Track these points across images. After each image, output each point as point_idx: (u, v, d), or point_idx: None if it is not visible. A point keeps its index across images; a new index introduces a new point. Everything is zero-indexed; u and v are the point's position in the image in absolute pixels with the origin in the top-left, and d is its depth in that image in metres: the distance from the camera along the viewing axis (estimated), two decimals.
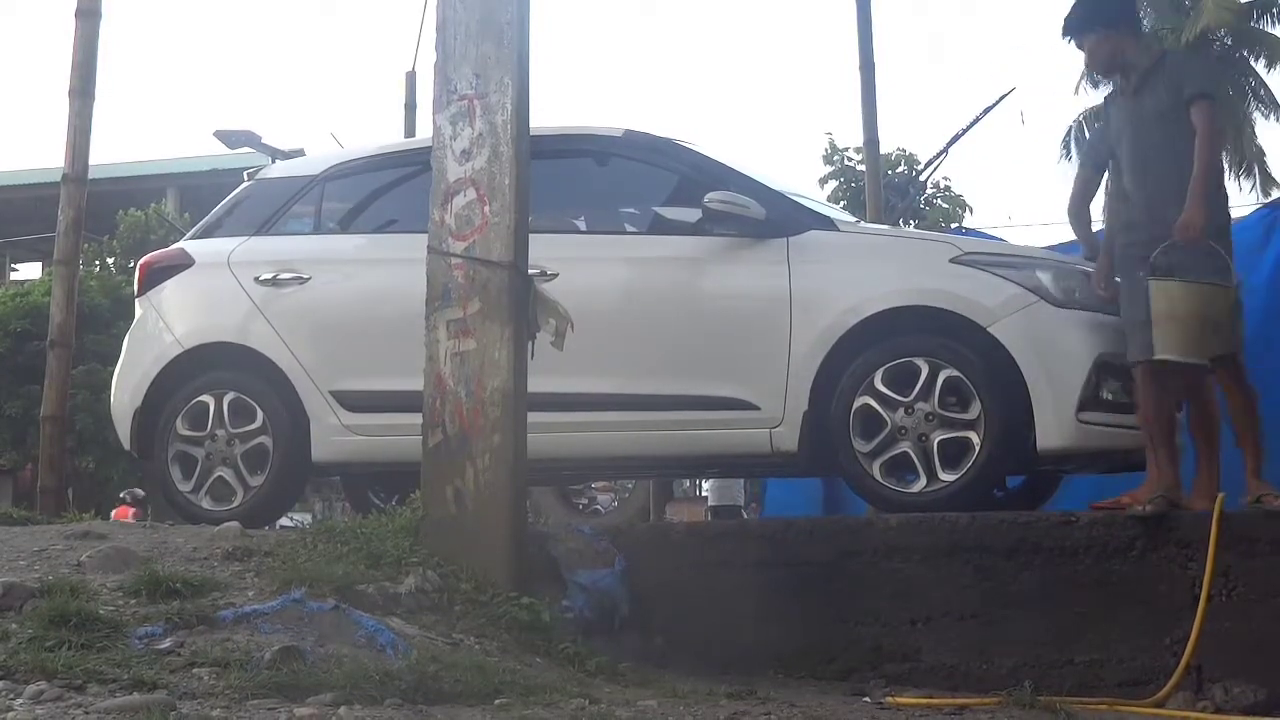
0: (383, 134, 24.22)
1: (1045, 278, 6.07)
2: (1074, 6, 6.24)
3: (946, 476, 5.93)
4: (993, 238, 10.32)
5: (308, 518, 12.13)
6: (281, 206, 7.31)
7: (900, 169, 28.91)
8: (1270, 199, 19.80)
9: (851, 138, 32.30)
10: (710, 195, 6.34)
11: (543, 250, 5.97)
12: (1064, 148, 34.35)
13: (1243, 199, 32.13)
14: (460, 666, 4.27)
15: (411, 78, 15.28)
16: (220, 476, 6.84)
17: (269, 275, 6.95)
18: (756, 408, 6.17)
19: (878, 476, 6.04)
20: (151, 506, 16.31)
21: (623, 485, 11.30)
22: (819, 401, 6.10)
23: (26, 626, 4.13)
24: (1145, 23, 33.16)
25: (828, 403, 6.09)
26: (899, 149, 29.13)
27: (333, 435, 6.73)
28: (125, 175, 25.31)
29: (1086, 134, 34.20)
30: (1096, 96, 34.06)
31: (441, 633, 4.72)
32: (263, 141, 15.49)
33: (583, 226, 7.03)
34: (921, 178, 23.76)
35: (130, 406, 7.09)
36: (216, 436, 6.84)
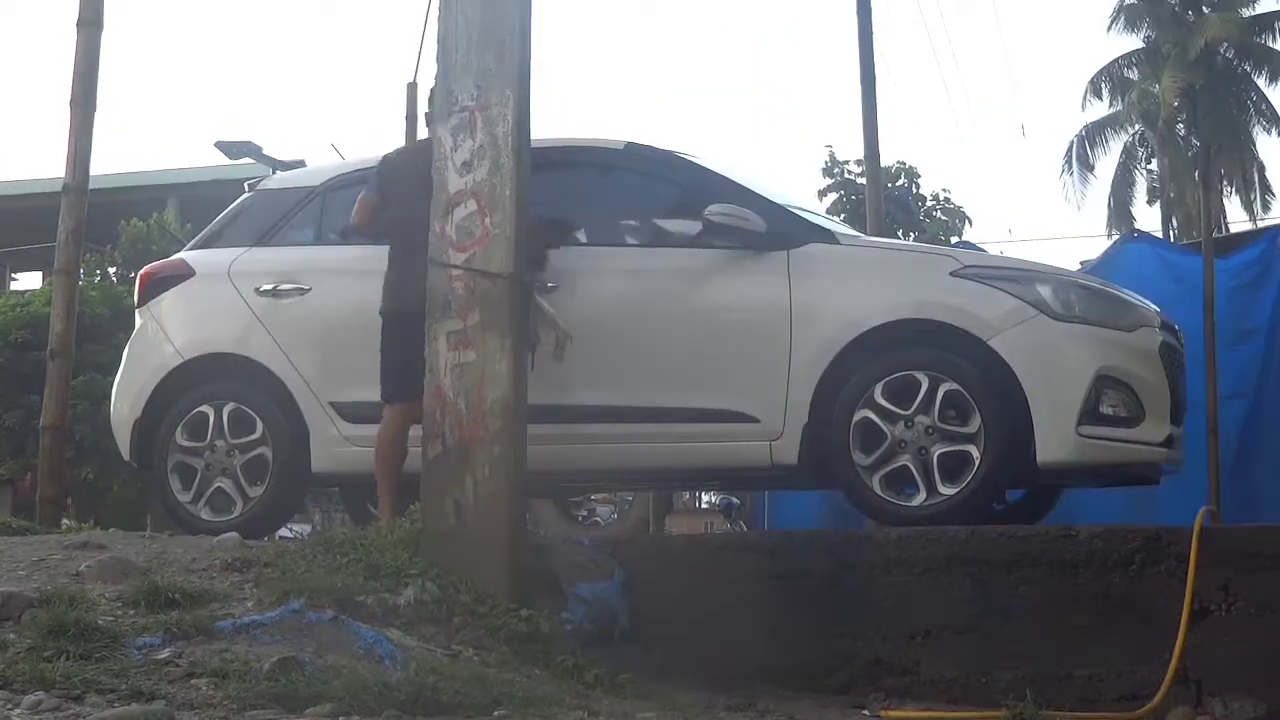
0: (384, 145, 24.21)
1: (1045, 291, 6.08)
2: None
3: (946, 490, 5.93)
4: (979, 248, 10.34)
5: (307, 529, 12.11)
6: (282, 217, 7.32)
7: (900, 182, 28.98)
8: (1262, 226, 19.81)
9: (851, 150, 32.41)
10: (711, 208, 6.34)
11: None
12: (1065, 162, 34.48)
13: (1240, 213, 32.21)
14: (459, 678, 4.27)
15: (413, 89, 15.28)
16: (219, 487, 6.84)
17: (269, 286, 6.96)
18: (756, 420, 6.17)
19: (877, 490, 6.04)
20: (150, 517, 16.29)
21: (622, 497, 11.28)
22: (819, 414, 6.10)
23: (25, 636, 4.13)
24: (1149, 35, 33.41)
25: (828, 416, 6.09)
26: (899, 162, 29.20)
27: (332, 446, 6.74)
28: (126, 185, 25.27)
29: (1089, 149, 34.42)
30: (1101, 111, 34.28)
31: (440, 644, 4.72)
32: (263, 152, 15.53)
33: (583, 238, 7.03)
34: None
35: (130, 417, 7.10)
36: (216, 447, 6.85)
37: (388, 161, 6.66)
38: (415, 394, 6.01)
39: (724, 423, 6.26)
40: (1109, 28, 33.92)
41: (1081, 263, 10.79)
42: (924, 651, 5.29)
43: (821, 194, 29.34)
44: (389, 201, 6.49)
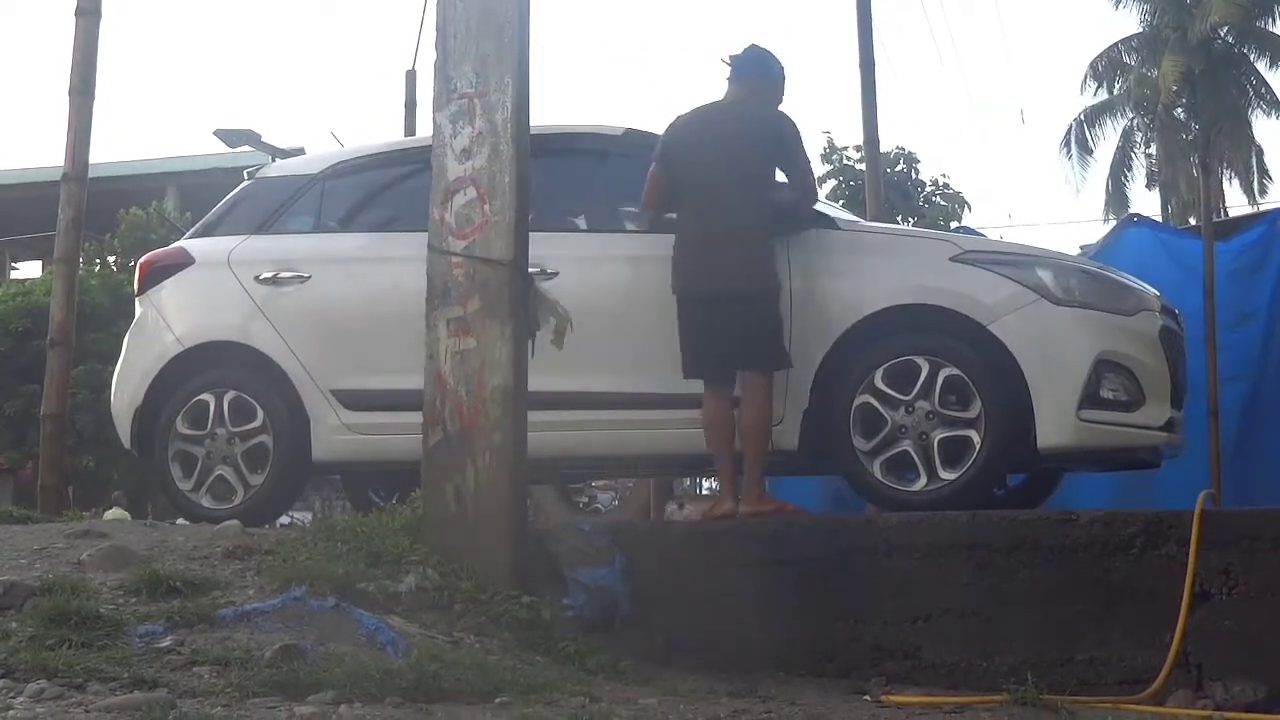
0: (383, 133, 24.22)
1: (1045, 276, 6.07)
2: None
3: (947, 475, 5.94)
4: (978, 233, 10.34)
5: (308, 516, 12.13)
6: (281, 205, 7.31)
7: (899, 167, 28.95)
8: (1261, 210, 19.81)
9: (849, 136, 32.37)
10: None
11: (543, 248, 5.97)
12: (1064, 146, 34.43)
13: (1238, 197, 32.21)
14: (461, 665, 4.27)
15: (412, 76, 15.30)
16: (220, 475, 6.84)
17: (269, 274, 6.95)
18: None
19: (878, 475, 6.04)
20: (152, 505, 16.33)
21: (623, 483, 11.28)
22: (819, 400, 6.10)
23: (27, 625, 4.13)
24: (1148, 18, 33.39)
25: (828, 401, 6.09)
26: (898, 147, 29.17)
27: (333, 434, 6.74)
28: (126, 174, 25.30)
29: (1088, 133, 34.38)
30: (1100, 95, 34.23)
31: (442, 631, 4.72)
32: (263, 140, 15.48)
33: (583, 225, 7.02)
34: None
35: (130, 405, 7.10)
36: (217, 435, 6.85)
37: (673, 129, 6.43)
38: (694, 375, 6.11)
39: None
40: (1117, 6, 33.84)
41: (1081, 247, 10.79)
42: (925, 636, 5.29)
43: (820, 180, 29.28)
44: (674, 172, 6.34)
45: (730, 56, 6.42)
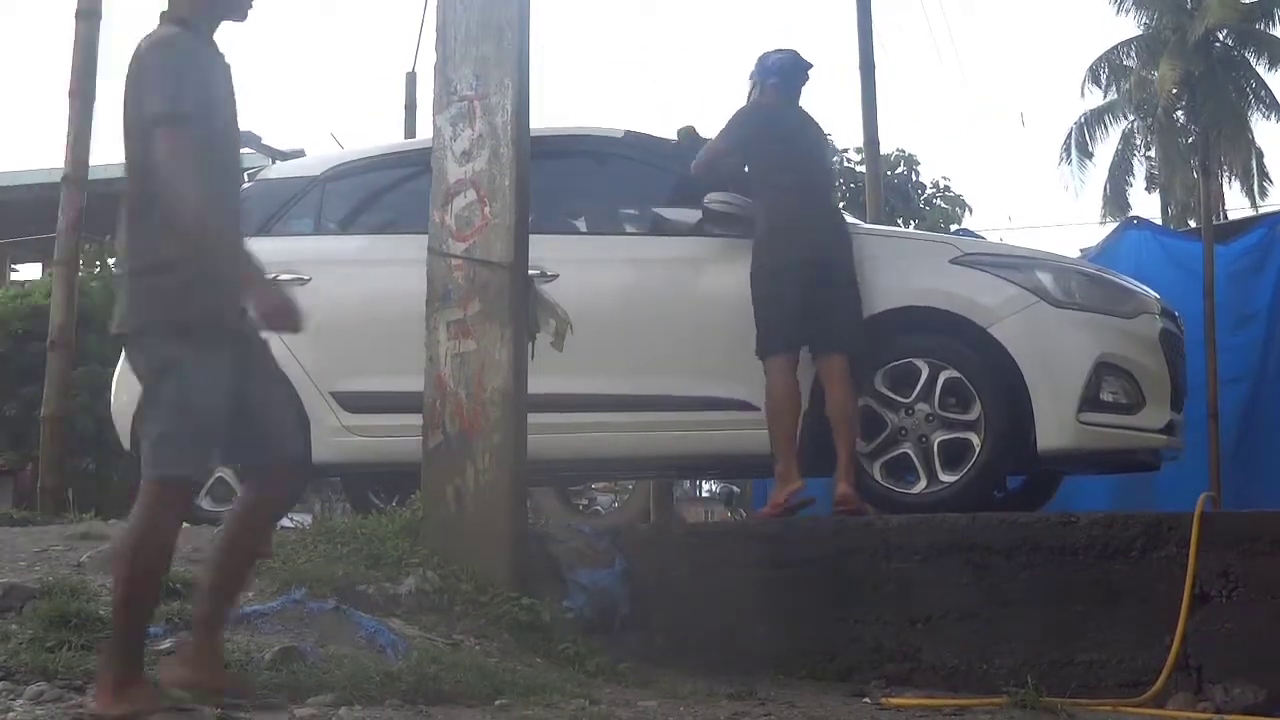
0: (383, 135, 24.20)
1: (1045, 278, 6.08)
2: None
3: (947, 477, 5.94)
4: (975, 235, 10.34)
5: (308, 518, 12.13)
6: (281, 207, 7.30)
7: (900, 170, 28.92)
8: (1262, 213, 19.80)
9: (849, 138, 32.32)
10: (710, 196, 6.35)
11: (543, 251, 5.97)
12: (1064, 149, 34.42)
13: (1239, 200, 32.20)
14: (460, 667, 4.27)
15: (412, 78, 15.26)
16: (220, 477, 6.83)
17: (268, 276, 6.93)
18: (756, 408, 6.17)
19: (878, 477, 6.05)
20: None
21: (623, 485, 11.28)
22: (819, 402, 6.09)
23: (27, 627, 4.13)
24: (1148, 21, 33.34)
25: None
26: (898, 150, 29.15)
27: (333, 436, 6.73)
28: (125, 176, 25.27)
29: (1088, 136, 34.36)
30: (1100, 98, 34.21)
31: (441, 633, 4.72)
32: (262, 142, 15.43)
33: (583, 227, 7.02)
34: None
35: (130, 407, 7.07)
36: None
37: (757, 114, 6.56)
38: (782, 348, 6.06)
39: (725, 410, 6.27)
40: (1118, 9, 33.83)
41: (1081, 250, 10.80)
42: (925, 638, 5.29)
43: None
44: (768, 156, 6.42)
45: (773, 60, 6.59)
